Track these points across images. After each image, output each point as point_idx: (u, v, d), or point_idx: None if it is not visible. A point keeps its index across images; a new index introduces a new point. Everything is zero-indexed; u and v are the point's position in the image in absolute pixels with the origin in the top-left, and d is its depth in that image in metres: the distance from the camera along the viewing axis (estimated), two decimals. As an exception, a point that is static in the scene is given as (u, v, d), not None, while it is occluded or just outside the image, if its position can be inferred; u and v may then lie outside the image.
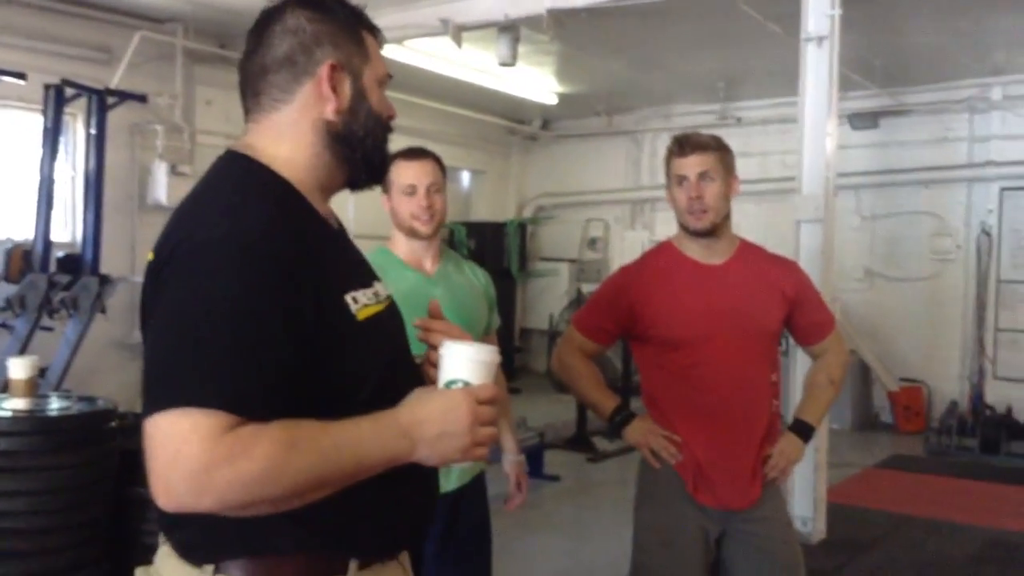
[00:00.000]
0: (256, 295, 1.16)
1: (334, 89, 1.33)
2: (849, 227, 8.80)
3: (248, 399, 1.12)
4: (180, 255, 1.19)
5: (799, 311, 2.51)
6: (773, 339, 2.50)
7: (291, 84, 1.33)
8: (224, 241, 1.17)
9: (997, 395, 8.29)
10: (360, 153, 1.37)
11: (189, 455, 1.08)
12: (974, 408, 8.17)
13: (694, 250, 2.47)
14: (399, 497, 1.32)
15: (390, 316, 1.41)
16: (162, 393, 1.12)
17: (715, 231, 2.42)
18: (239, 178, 1.30)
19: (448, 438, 1.24)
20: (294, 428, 1.14)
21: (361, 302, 1.31)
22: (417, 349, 1.44)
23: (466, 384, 1.29)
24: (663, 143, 11.13)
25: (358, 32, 1.37)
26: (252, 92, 1.36)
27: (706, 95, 9.46)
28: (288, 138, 1.34)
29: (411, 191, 2.48)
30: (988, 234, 8.51)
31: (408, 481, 1.32)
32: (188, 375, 1.12)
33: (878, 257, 9.11)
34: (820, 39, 4.86)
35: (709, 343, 2.38)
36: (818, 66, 4.88)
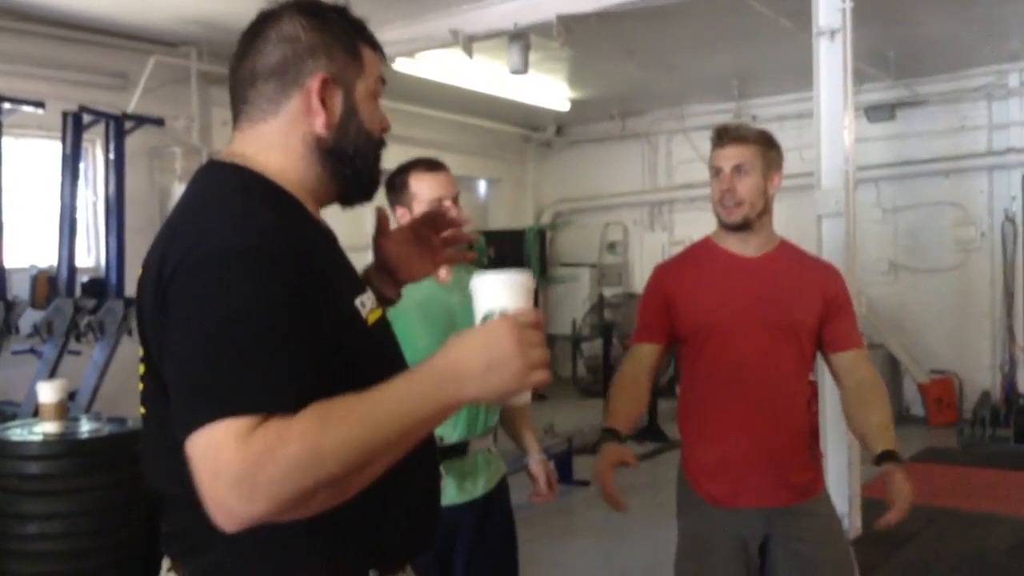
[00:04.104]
0: (279, 300, 1.12)
1: (324, 103, 1.28)
2: (871, 220, 8.72)
3: (278, 396, 1.08)
4: (191, 266, 1.13)
5: (836, 316, 2.44)
6: (806, 336, 2.41)
7: (279, 95, 1.28)
8: (240, 248, 1.13)
9: (1029, 384, 8.19)
10: (351, 170, 1.33)
11: (228, 461, 1.03)
12: (1007, 398, 8.07)
13: (730, 243, 2.45)
14: (410, 501, 1.32)
15: (387, 320, 1.40)
16: (198, 409, 1.07)
17: (748, 225, 2.39)
18: (239, 186, 1.25)
19: (498, 367, 1.14)
20: (325, 404, 1.09)
21: (368, 307, 1.29)
22: (418, 357, 1.32)
23: (503, 312, 1.21)
24: (678, 144, 11.02)
25: (356, 44, 1.32)
26: (240, 99, 1.32)
27: (720, 94, 9.41)
28: (277, 150, 1.29)
29: (439, 204, 2.48)
30: (1012, 221, 8.40)
31: (416, 482, 1.32)
32: (222, 387, 1.07)
33: (902, 249, 9.02)
34: (832, 33, 4.82)
35: (738, 332, 2.35)
36: (831, 60, 4.84)
